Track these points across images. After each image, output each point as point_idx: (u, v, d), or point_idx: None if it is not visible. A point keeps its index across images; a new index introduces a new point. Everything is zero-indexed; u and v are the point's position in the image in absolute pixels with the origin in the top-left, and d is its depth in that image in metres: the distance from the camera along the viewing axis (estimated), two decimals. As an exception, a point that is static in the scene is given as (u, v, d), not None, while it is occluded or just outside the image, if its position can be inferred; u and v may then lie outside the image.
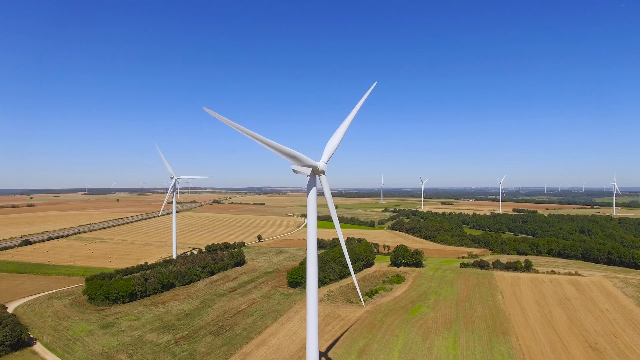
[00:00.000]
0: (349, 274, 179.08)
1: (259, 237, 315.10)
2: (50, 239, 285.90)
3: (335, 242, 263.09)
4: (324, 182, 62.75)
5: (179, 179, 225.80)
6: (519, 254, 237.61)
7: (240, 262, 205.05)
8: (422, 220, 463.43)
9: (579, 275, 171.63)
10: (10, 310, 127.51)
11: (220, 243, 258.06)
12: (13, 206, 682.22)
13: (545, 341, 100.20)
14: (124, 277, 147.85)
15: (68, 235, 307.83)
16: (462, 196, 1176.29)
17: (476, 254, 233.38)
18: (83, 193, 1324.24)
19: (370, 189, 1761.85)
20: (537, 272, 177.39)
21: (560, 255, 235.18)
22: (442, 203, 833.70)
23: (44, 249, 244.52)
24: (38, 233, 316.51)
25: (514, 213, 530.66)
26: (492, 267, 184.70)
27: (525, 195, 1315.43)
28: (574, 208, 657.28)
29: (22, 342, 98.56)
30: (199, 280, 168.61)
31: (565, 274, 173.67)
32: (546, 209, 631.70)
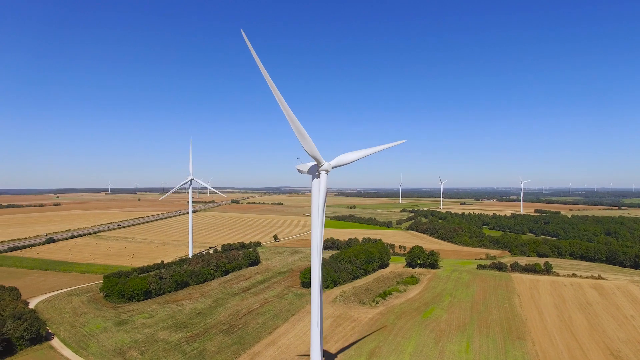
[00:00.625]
0: (363, 274, 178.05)
1: (275, 237, 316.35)
2: (73, 237, 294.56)
3: (350, 242, 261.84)
4: (322, 180, 62.32)
5: (195, 180, 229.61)
6: (539, 256, 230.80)
7: (255, 262, 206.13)
8: (440, 220, 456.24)
9: (602, 279, 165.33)
10: (32, 305, 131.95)
11: (236, 242, 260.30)
12: (41, 205, 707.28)
13: (563, 347, 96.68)
14: (140, 275, 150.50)
15: (90, 233, 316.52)
16: (483, 196, 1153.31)
17: (494, 256, 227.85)
18: (107, 192, 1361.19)
19: (389, 189, 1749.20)
20: (558, 275, 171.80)
21: (583, 257, 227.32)
22: (461, 203, 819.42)
23: (66, 247, 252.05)
24: (62, 231, 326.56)
25: (535, 214, 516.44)
26: (510, 269, 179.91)
27: (548, 195, 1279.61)
28: (599, 209, 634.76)
29: (40, 336, 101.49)
30: (213, 279, 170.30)
31: (587, 277, 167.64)
32: (570, 209, 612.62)
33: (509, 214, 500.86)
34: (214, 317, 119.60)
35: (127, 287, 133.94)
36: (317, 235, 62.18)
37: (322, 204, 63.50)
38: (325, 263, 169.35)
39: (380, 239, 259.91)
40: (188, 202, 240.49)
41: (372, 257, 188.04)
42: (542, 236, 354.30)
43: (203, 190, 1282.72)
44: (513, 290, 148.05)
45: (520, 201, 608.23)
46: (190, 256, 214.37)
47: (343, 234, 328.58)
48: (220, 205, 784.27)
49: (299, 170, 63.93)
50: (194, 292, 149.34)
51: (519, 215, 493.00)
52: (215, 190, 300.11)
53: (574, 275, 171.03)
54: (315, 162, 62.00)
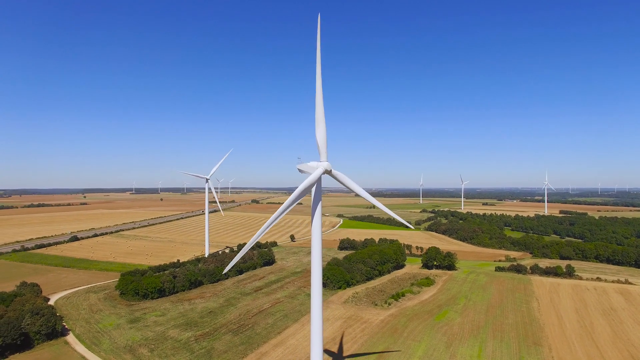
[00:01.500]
0: (377, 275, 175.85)
1: (292, 237, 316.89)
2: (96, 235, 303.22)
3: (366, 243, 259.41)
4: (319, 183, 61.25)
5: (211, 180, 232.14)
6: (562, 258, 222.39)
7: (270, 262, 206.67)
8: (460, 221, 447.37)
9: (629, 283, 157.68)
10: (52, 301, 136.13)
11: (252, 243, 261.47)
12: (68, 204, 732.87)
13: (583, 354, 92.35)
14: (155, 274, 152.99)
15: (111, 232, 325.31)
16: (506, 197, 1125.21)
17: (514, 258, 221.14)
18: (131, 192, 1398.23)
19: (410, 189, 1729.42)
20: (580, 278, 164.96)
21: (609, 261, 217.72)
22: (483, 204, 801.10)
23: (88, 245, 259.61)
24: (85, 230, 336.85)
25: (560, 215, 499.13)
26: (530, 271, 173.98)
27: (576, 196, 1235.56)
28: (630, 210, 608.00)
29: (56, 332, 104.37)
30: (227, 278, 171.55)
31: (613, 281, 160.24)
32: (598, 210, 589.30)
33: (532, 215, 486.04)
34: (224, 317, 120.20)
35: (141, 285, 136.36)
36: (317, 238, 61.12)
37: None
38: (338, 263, 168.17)
39: (397, 240, 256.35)
40: (210, 202, 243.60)
41: (387, 258, 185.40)
42: (567, 238, 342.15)
43: (224, 190, 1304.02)
44: (532, 294, 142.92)
45: (545, 202, 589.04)
46: (206, 255, 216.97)
47: (360, 234, 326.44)
48: (240, 205, 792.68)
49: (300, 170, 62.59)
50: (207, 291, 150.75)
51: (543, 216, 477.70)
52: (227, 188, 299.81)
53: (598, 279, 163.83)
54: (320, 158, 60.63)
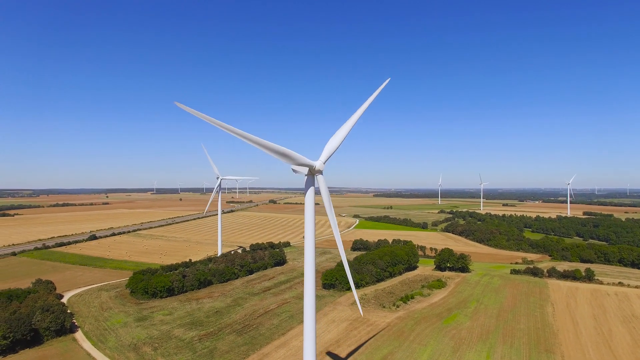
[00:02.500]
0: (387, 277, 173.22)
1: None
2: (113, 234, 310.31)
3: (379, 244, 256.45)
4: (321, 182, 59.54)
5: (224, 179, 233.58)
6: (583, 261, 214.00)
7: (281, 262, 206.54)
8: (478, 222, 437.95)
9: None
10: (65, 298, 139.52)
11: (265, 242, 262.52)
12: (91, 204, 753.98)
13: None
14: (165, 273, 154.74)
15: (129, 231, 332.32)
16: (528, 198, 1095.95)
17: (532, 260, 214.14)
18: (152, 192, 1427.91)
19: (429, 189, 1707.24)
20: (601, 282, 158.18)
21: (634, 265, 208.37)
22: (503, 205, 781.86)
23: (106, 244, 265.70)
24: (105, 229, 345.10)
25: (584, 216, 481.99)
26: (547, 274, 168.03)
27: (602, 197, 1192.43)
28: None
29: (65, 328, 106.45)
30: (237, 278, 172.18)
31: (636, 287, 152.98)
32: (625, 212, 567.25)
33: (553, 216, 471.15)
34: (230, 317, 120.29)
35: (150, 284, 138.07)
36: (310, 236, 59.95)
37: (329, 206, 61.39)
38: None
39: (410, 241, 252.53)
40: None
41: (398, 259, 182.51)
42: (590, 240, 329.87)
43: (242, 190, 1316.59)
44: (547, 298, 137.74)
45: (567, 203, 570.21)
46: (219, 255, 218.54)
47: (374, 235, 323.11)
48: (257, 205, 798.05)
49: (294, 171, 61.46)
50: (215, 290, 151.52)
51: (565, 217, 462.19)
52: (245, 188, 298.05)
53: (620, 284, 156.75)
54: (309, 169, 59.20)
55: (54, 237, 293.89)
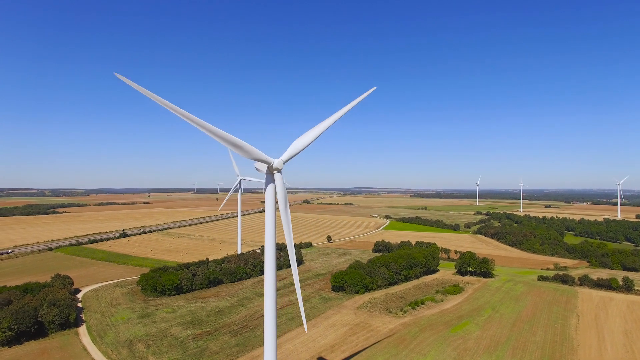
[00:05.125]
0: (402, 280, 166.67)
1: (329, 238, 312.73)
2: (144, 232, 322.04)
3: (401, 245, 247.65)
4: (278, 181, 55.68)
5: (244, 179, 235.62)
6: (626, 269, 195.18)
7: (297, 263, 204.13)
8: (514, 224, 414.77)
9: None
10: (82, 293, 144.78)
11: (285, 243, 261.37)
12: (132, 203, 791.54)
13: (616, 384, 78.18)
14: (175, 271, 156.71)
15: (159, 230, 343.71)
16: (575, 199, 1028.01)
17: (565, 266, 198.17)
18: (192, 192, 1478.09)
19: (468, 190, 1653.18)
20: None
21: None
22: (546, 206, 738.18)
23: (135, 242, 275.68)
24: (137, 227, 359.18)
25: (636, 220, 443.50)
26: (578, 282, 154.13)
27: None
28: None
29: (70, 322, 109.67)
30: (248, 278, 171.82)
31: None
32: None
33: (600, 219, 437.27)
34: (230, 316, 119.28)
35: (159, 282, 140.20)
36: (270, 243, 56.29)
37: (285, 207, 56.41)
38: (359, 267, 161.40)
39: (434, 243, 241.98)
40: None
41: (415, 262, 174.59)
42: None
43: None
44: (573, 308, 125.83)
45: (617, 204, 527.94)
46: (239, 254, 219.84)
47: (401, 236, 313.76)
48: (290, 205, 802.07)
49: (258, 169, 58.25)
50: (224, 290, 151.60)
51: (614, 220, 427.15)
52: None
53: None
54: (267, 167, 55.48)
55: (89, 234, 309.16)
